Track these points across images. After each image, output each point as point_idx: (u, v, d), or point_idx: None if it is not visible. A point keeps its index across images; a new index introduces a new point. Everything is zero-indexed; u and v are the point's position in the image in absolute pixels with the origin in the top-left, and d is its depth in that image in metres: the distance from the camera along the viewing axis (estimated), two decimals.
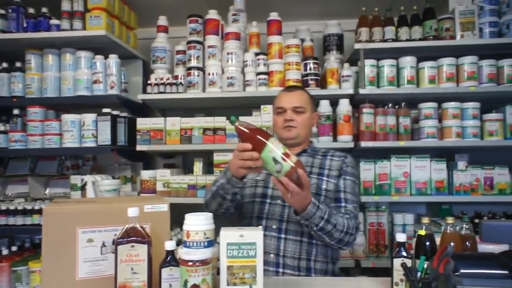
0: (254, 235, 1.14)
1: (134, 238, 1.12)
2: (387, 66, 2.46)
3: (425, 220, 1.33)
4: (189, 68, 2.57)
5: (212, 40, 2.56)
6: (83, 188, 2.53)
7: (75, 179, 2.61)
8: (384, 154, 2.51)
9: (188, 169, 2.91)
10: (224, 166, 2.52)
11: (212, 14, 2.58)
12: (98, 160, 2.98)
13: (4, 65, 2.65)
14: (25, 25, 2.51)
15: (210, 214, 1.24)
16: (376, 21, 2.53)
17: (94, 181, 2.43)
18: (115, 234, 1.18)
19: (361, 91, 2.44)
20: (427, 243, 1.28)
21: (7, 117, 2.70)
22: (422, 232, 1.30)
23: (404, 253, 1.26)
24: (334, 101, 2.51)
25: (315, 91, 2.50)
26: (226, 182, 1.47)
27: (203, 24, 2.62)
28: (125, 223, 1.13)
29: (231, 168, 1.41)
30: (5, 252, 2.41)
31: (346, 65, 2.53)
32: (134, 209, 1.13)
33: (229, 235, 1.14)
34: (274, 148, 1.23)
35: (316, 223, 1.41)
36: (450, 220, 1.31)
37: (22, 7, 2.54)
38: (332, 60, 2.55)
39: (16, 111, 2.62)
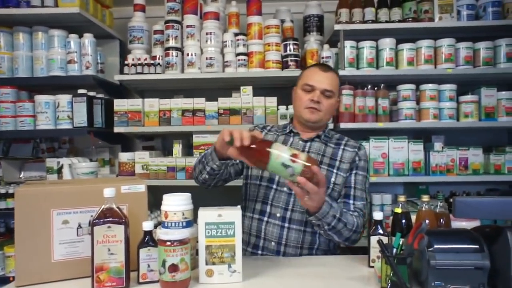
0: (232, 214, 1.14)
1: (110, 218, 1.10)
2: (367, 48, 2.46)
3: (402, 198, 1.36)
4: (167, 49, 2.52)
5: (190, 19, 2.50)
6: (59, 171, 2.48)
7: (51, 162, 2.54)
8: (363, 135, 2.54)
9: (167, 151, 2.87)
10: (204, 148, 2.52)
11: None
12: (74, 142, 2.91)
13: None
14: None
15: (189, 195, 1.23)
16: (356, 2, 2.51)
17: (70, 163, 2.38)
18: (92, 216, 1.16)
19: (341, 72, 2.44)
20: (403, 221, 1.31)
21: None
22: (399, 210, 1.32)
23: (380, 231, 1.28)
24: None
25: (295, 72, 2.49)
26: (209, 153, 1.44)
27: (181, 3, 2.55)
28: (101, 204, 1.11)
29: (219, 137, 1.34)
30: None
31: (326, 46, 2.52)
32: (110, 189, 1.11)
33: (207, 214, 1.14)
34: (280, 154, 1.14)
35: (328, 222, 1.34)
36: (425, 198, 1.34)
37: None
38: (312, 41, 2.54)
39: None
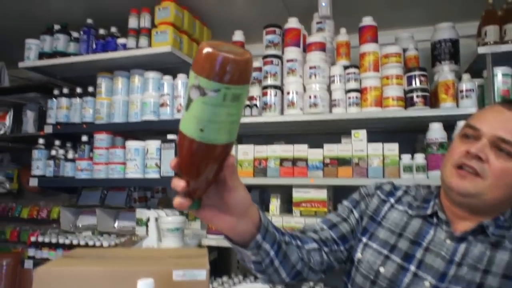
0: None
1: None
2: None
3: None
4: (265, 87, 2.19)
5: (291, 53, 2.15)
6: (147, 224, 2.27)
7: (140, 213, 2.34)
8: None
9: (265, 206, 2.48)
10: (306, 205, 2.08)
11: (293, 22, 2.18)
12: (167, 192, 2.71)
13: (78, 90, 2.54)
14: (94, 46, 2.38)
15: None
16: (509, 15, 1.90)
17: (157, 217, 2.15)
18: None
19: None
20: None
21: (77, 144, 2.55)
22: None
23: None
24: (449, 123, 1.91)
25: (422, 110, 1.94)
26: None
27: (281, 35, 2.23)
28: None
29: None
30: None
31: (466, 76, 1.93)
32: (146, 282, 0.73)
33: None
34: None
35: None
36: None
37: (93, 29, 2.43)
38: (446, 70, 1.97)
39: (84, 138, 2.47)
